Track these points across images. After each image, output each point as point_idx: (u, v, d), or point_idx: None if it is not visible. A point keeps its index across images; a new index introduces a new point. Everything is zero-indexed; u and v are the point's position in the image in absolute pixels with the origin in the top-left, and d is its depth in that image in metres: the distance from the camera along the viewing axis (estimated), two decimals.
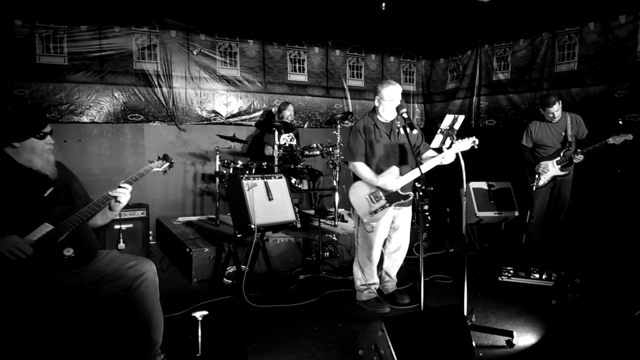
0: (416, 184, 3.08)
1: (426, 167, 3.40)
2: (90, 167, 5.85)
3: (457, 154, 3.26)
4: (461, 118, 3.34)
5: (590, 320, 3.44)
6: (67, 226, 2.25)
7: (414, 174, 3.50)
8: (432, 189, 2.96)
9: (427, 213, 3.04)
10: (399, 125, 3.59)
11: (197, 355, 2.69)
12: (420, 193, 2.99)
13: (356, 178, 3.70)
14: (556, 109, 4.54)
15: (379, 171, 3.61)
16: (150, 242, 5.52)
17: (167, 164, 2.83)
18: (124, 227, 5.02)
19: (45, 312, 2.23)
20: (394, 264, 3.96)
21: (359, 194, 3.63)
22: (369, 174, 3.59)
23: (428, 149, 3.74)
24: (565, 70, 5.84)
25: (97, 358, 2.70)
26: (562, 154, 4.58)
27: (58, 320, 2.31)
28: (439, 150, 3.53)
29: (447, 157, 3.40)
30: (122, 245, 4.98)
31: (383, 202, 3.56)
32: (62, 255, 2.25)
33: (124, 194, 2.43)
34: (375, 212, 3.56)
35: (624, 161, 4.61)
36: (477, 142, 3.33)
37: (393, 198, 3.56)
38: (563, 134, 4.58)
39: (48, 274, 2.24)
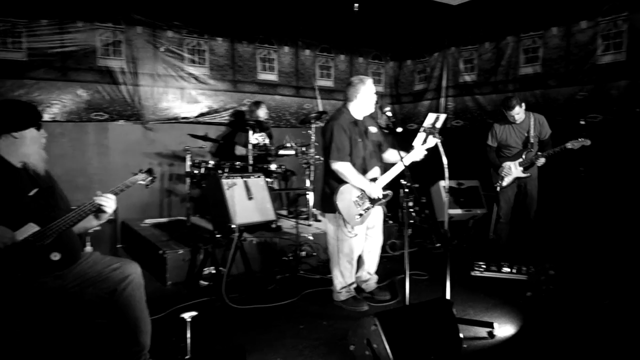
0: (401, 181, 3.11)
1: (396, 170, 3.49)
2: (52, 168, 5.48)
3: (440, 153, 3.32)
4: (443, 117, 3.40)
5: (564, 310, 3.59)
6: (54, 229, 2.16)
7: (392, 173, 3.54)
8: (417, 186, 3.01)
9: (411, 210, 3.07)
10: (380, 122, 3.61)
11: (186, 357, 2.61)
12: (406, 190, 3.03)
13: (339, 181, 3.56)
14: (516, 112, 4.64)
15: (363, 172, 3.57)
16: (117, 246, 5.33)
17: (150, 178, 2.78)
18: (90, 229, 4.80)
19: (29, 317, 2.11)
20: (373, 262, 3.97)
21: (346, 198, 3.53)
22: (357, 176, 3.50)
23: (388, 148, 3.82)
24: (529, 72, 6.09)
25: None
26: (523, 155, 4.71)
27: (41, 325, 2.19)
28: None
29: (418, 155, 3.50)
30: (89, 248, 4.75)
31: (368, 204, 3.56)
32: (49, 259, 2.15)
33: (109, 203, 2.36)
34: (361, 215, 3.55)
35: (586, 160, 4.85)
36: (439, 141, 3.37)
37: (376, 199, 3.58)
38: (526, 134, 4.73)
39: (33, 276, 2.13)
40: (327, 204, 3.66)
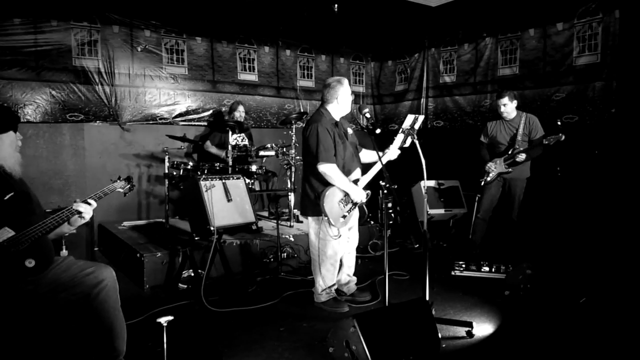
0: (380, 182, 3.12)
1: (374, 170, 3.52)
2: (26, 170, 5.27)
3: (419, 153, 3.34)
4: (421, 118, 3.42)
5: (541, 309, 3.63)
6: (30, 235, 2.12)
7: (371, 173, 3.57)
8: (396, 187, 3.01)
9: (390, 211, 3.07)
10: (360, 122, 3.60)
11: None
12: (385, 191, 3.03)
13: (325, 183, 3.52)
14: (503, 103, 4.72)
15: (347, 172, 3.56)
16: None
17: (129, 185, 2.78)
18: (64, 235, 4.71)
19: (2, 322, 2.05)
20: (352, 263, 3.97)
21: (333, 201, 3.51)
22: (343, 178, 3.48)
23: (362, 148, 3.85)
24: (507, 73, 6.17)
25: None
26: (509, 152, 4.78)
27: (14, 330, 2.12)
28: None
29: (392, 154, 3.55)
30: (64, 252, 4.66)
31: (350, 205, 3.56)
32: (23, 265, 2.09)
33: (89, 210, 2.32)
34: (345, 216, 3.55)
35: (563, 160, 4.93)
36: (415, 140, 3.41)
37: (358, 200, 3.58)
38: (514, 132, 4.79)
39: (6, 282, 2.06)
40: (310, 207, 3.63)
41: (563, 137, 4.35)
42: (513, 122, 4.81)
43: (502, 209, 4.97)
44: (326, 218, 3.50)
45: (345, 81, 3.62)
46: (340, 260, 3.85)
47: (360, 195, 3.52)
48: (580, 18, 5.38)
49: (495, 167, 4.83)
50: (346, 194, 3.54)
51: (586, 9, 5.31)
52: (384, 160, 3.46)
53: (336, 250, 3.65)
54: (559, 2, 5.52)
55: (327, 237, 3.60)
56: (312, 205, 3.58)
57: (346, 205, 3.55)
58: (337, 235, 3.56)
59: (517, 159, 4.66)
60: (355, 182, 3.58)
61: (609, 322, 3.38)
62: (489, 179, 4.88)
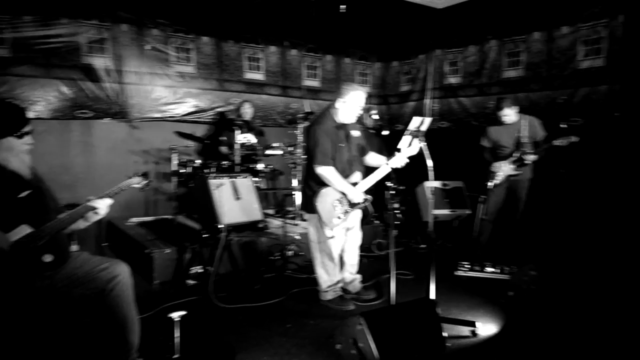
0: (387, 183, 3.16)
1: (378, 175, 3.53)
2: (36, 166, 5.46)
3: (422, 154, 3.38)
4: (428, 120, 3.45)
5: (544, 310, 3.68)
6: (47, 231, 2.17)
7: (374, 178, 3.59)
8: (403, 188, 3.06)
9: (397, 211, 3.12)
10: (367, 123, 3.60)
11: (175, 357, 2.63)
12: (392, 192, 3.08)
13: (321, 183, 3.59)
14: (505, 113, 4.74)
15: (344, 176, 3.59)
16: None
17: (146, 181, 2.78)
18: (76, 229, 4.77)
19: (20, 316, 2.11)
20: (353, 261, 4.02)
21: (327, 201, 3.57)
22: (340, 180, 3.53)
23: (369, 151, 3.86)
24: (512, 76, 6.21)
25: None
26: (513, 154, 4.81)
27: (31, 324, 2.19)
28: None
29: (400, 161, 3.52)
30: (74, 247, 4.71)
31: (347, 207, 3.59)
32: (41, 261, 2.15)
33: (104, 206, 2.37)
34: (339, 218, 3.58)
35: (567, 162, 4.96)
36: (423, 146, 3.41)
37: (356, 203, 3.61)
38: (517, 135, 4.82)
39: (25, 278, 2.12)
40: (309, 205, 3.70)
41: (575, 139, 4.34)
42: (515, 125, 4.82)
43: (506, 210, 4.99)
44: (319, 217, 3.57)
45: (358, 87, 3.61)
46: (341, 258, 3.91)
47: (357, 196, 3.54)
48: (585, 22, 5.42)
49: (502, 170, 4.85)
50: (343, 196, 3.58)
51: (591, 13, 5.35)
52: (392, 165, 3.50)
53: (331, 248, 3.71)
54: (564, 6, 5.56)
55: (321, 236, 3.68)
56: (310, 203, 3.65)
57: (342, 207, 3.58)
58: (331, 236, 3.63)
59: (527, 161, 4.67)
60: (354, 185, 3.62)
61: (613, 324, 3.42)
62: (497, 181, 4.88)
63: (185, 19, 6.33)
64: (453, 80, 6.97)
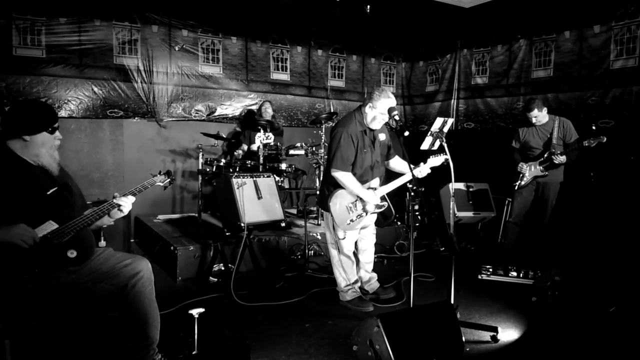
0: (407, 184, 3.15)
1: (398, 183, 3.51)
2: (68, 164, 5.65)
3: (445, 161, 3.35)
4: (450, 121, 3.44)
5: (568, 316, 3.60)
6: (72, 228, 2.24)
7: (394, 184, 3.58)
8: (423, 189, 3.04)
9: (417, 213, 3.10)
10: (390, 122, 3.51)
11: (194, 353, 2.68)
12: (412, 193, 3.06)
13: (337, 185, 3.58)
14: (534, 115, 4.64)
15: (362, 182, 3.58)
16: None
17: (169, 180, 2.82)
18: (102, 226, 4.92)
19: (45, 311, 2.20)
20: (369, 260, 4.01)
21: (341, 203, 3.57)
22: (357, 185, 3.51)
23: (395, 155, 3.83)
24: (542, 76, 6.07)
25: (95, 357, 2.67)
26: (545, 156, 4.71)
27: (55, 319, 2.27)
28: (425, 153, 3.58)
29: (422, 172, 3.52)
30: (102, 243, 4.87)
31: (361, 211, 3.58)
32: (66, 256, 2.23)
33: (128, 204, 2.44)
34: (352, 220, 3.58)
35: (597, 166, 4.82)
36: (449, 159, 3.38)
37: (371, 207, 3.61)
38: (548, 136, 4.71)
39: (50, 272, 2.21)
40: (324, 203, 3.71)
41: (605, 139, 4.23)
42: (546, 126, 4.72)
43: (535, 213, 4.88)
44: (332, 218, 3.59)
45: (389, 95, 3.52)
46: (356, 257, 3.93)
47: (374, 201, 3.53)
48: (618, 21, 5.25)
49: (529, 171, 4.75)
50: (357, 200, 3.58)
51: (625, 12, 5.18)
52: (416, 175, 3.44)
53: (343, 248, 3.74)
54: (596, 4, 5.41)
55: (334, 236, 3.72)
56: (325, 201, 3.66)
57: (355, 210, 3.58)
58: (342, 237, 3.65)
59: (556, 161, 4.55)
60: (372, 190, 3.61)
61: (639, 333, 3.32)
62: (523, 182, 4.78)
63: (213, 19, 6.44)
64: (480, 80, 6.86)
